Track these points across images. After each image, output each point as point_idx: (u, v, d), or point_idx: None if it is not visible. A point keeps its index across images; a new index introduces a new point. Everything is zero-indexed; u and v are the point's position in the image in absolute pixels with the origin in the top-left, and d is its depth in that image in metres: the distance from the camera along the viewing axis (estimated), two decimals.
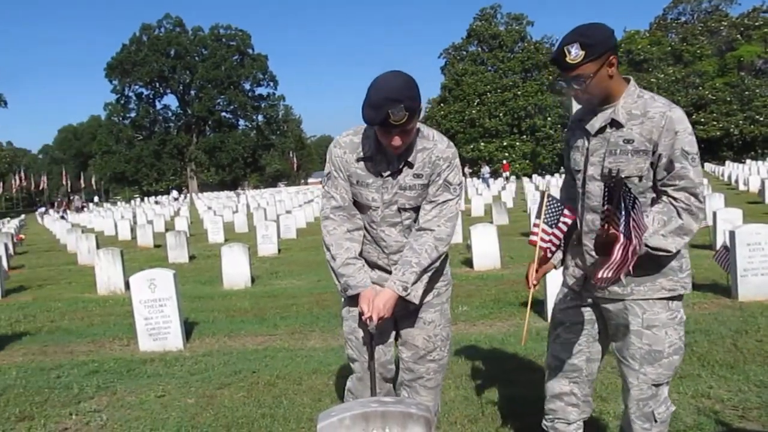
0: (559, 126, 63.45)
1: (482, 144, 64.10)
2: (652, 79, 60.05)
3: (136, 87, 76.96)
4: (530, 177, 43.98)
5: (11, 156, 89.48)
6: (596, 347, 2.90)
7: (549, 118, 64.84)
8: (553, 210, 2.82)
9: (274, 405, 4.47)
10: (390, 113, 2.57)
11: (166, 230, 19.72)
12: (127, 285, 9.61)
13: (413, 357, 3.04)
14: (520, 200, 26.56)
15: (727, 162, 43.96)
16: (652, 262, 2.59)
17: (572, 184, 2.89)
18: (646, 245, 2.49)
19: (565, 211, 2.81)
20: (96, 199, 67.34)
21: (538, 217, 2.85)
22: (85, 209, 44.86)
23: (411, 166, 2.84)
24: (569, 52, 2.54)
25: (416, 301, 2.84)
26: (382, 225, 2.93)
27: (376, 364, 2.93)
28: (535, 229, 2.84)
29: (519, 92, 64.73)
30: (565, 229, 2.81)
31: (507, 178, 45.62)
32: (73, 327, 7.77)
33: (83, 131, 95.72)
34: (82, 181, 78.52)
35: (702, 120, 58.95)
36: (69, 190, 74.09)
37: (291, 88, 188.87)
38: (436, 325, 3.02)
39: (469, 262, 10.50)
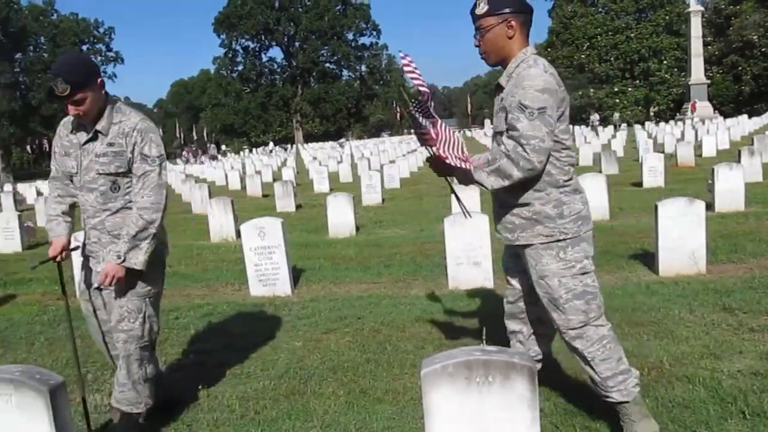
0: (675, 70, 59.83)
1: (591, 90, 61.55)
2: None
3: (243, 40, 78.66)
4: (642, 124, 41.93)
5: None
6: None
7: (665, 62, 61.15)
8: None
9: (379, 351, 4.56)
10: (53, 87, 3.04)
11: (274, 180, 20.27)
12: (238, 233, 10.03)
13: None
14: (631, 149, 25.45)
15: None
16: (524, 209, 2.90)
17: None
18: (469, 176, 2.84)
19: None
20: (223, 147, 69.73)
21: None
22: (218, 158, 47.24)
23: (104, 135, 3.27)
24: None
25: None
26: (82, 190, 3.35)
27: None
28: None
29: (632, 34, 61.29)
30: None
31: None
32: (189, 272, 8.18)
33: (194, 85, 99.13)
34: (194, 133, 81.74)
35: None
36: (182, 142, 77.33)
37: (394, 37, 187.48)
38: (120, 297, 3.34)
39: None
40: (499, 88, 2.97)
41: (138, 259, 3.20)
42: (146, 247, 3.21)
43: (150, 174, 3.23)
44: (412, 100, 2.80)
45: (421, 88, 2.85)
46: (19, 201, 22.14)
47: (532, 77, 2.75)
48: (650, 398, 3.40)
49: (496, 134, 3.00)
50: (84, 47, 65.62)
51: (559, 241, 2.87)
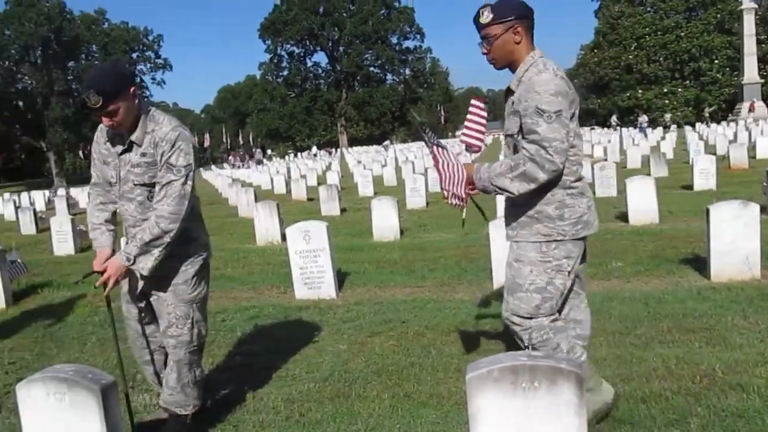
0: (727, 69, 58.27)
1: (639, 91, 60.41)
2: None
3: (288, 46, 79.53)
4: (693, 126, 40.95)
5: (177, 116, 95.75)
6: None
7: (716, 61, 59.67)
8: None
9: (423, 354, 4.55)
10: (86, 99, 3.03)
11: (319, 184, 20.41)
12: (283, 236, 10.10)
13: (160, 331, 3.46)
14: (681, 151, 24.90)
15: None
16: (529, 209, 2.97)
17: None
18: (492, 184, 2.91)
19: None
20: (269, 152, 70.51)
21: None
22: (264, 163, 48.06)
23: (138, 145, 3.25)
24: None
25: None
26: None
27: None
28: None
29: (682, 33, 59.99)
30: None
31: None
32: (236, 275, 8.28)
33: (240, 91, 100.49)
34: (240, 138, 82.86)
35: None
36: (229, 147, 78.41)
37: (438, 40, 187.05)
38: (168, 303, 3.35)
39: (624, 216, 10.04)
40: (510, 92, 3.05)
41: (146, 266, 3.18)
42: (158, 255, 3.17)
43: (174, 183, 3.18)
44: (423, 126, 3.01)
45: (468, 130, 3.12)
46: (72, 205, 22.78)
47: (545, 82, 2.82)
48: (702, 407, 3.32)
49: (507, 137, 3.08)
50: (134, 55, 67.23)
51: (556, 244, 2.95)
